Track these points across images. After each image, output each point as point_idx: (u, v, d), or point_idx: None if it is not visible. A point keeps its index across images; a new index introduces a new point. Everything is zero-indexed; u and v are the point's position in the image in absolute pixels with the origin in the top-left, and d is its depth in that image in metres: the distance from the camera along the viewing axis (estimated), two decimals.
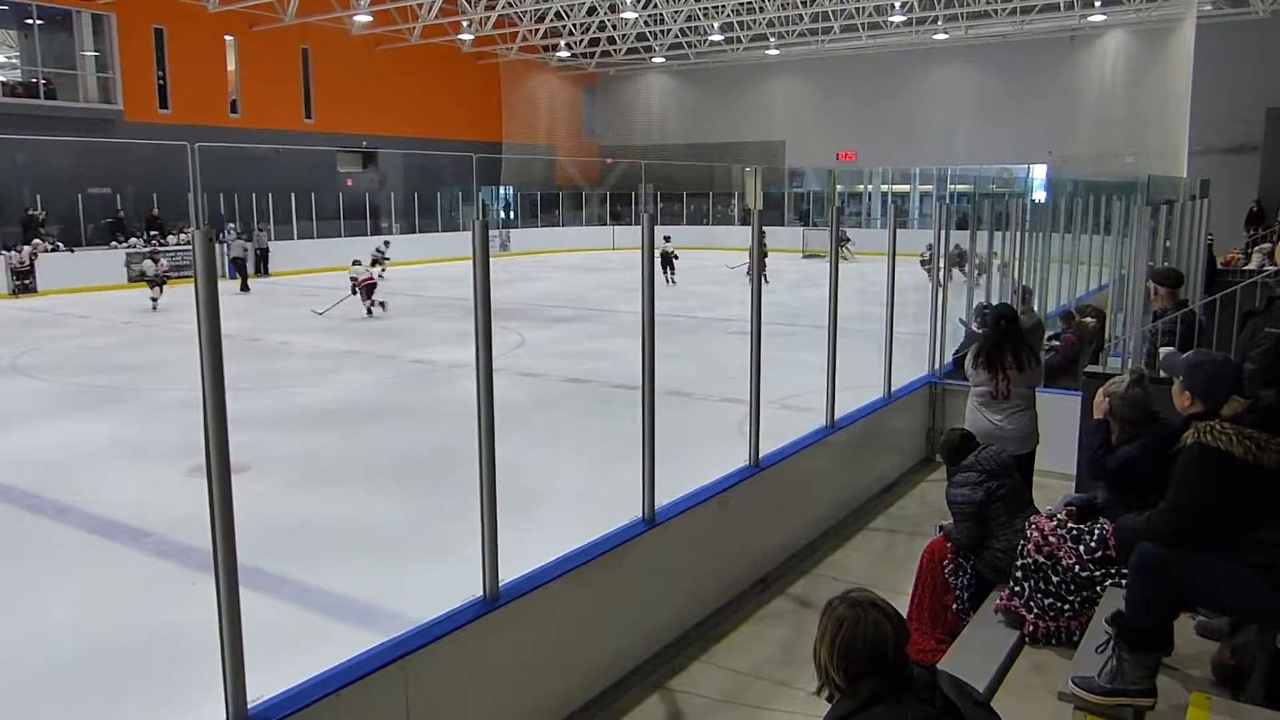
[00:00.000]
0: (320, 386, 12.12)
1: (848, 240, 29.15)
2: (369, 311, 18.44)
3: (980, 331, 8.84)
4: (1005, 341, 5.99)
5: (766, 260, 26.26)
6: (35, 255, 22.39)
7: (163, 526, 6.89)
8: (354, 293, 18.66)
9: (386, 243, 26.17)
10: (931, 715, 2.16)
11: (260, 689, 3.08)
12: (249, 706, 3.01)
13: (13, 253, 21.96)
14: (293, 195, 28.80)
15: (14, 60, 26.51)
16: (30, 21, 25.77)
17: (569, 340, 15.60)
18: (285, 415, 10.39)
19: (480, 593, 3.92)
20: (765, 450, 5.92)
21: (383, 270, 23.36)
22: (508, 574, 4.01)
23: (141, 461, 8.72)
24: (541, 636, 4.24)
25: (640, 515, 4.83)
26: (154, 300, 19.53)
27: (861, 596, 2.25)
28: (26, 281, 22.04)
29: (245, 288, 23.87)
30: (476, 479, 3.84)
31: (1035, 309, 9.67)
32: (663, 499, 4.96)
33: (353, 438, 9.72)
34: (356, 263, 19.39)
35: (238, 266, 24.39)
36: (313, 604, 5.75)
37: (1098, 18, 31.51)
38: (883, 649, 2.16)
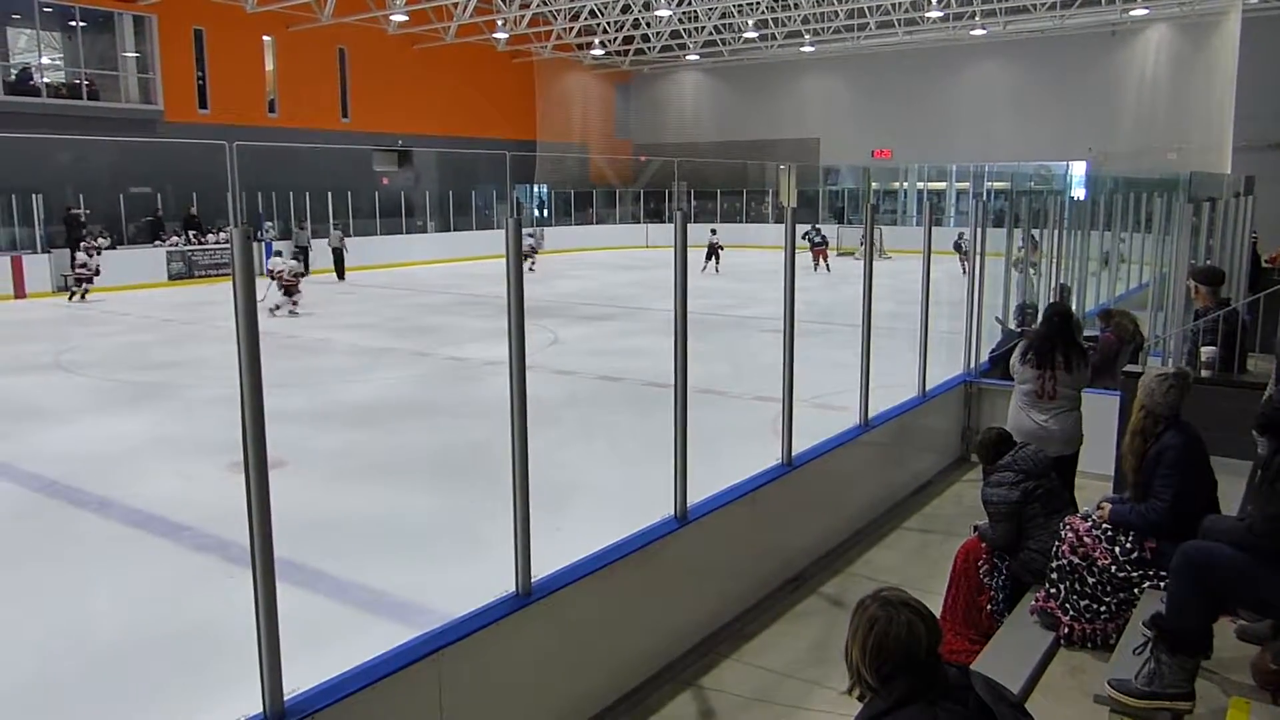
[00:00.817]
0: (356, 383, 12.23)
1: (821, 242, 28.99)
2: (278, 309, 17.77)
3: (1018, 330, 8.78)
4: (1057, 339, 5.91)
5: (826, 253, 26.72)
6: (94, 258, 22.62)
7: (201, 521, 6.99)
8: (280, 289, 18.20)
9: (531, 234, 26.20)
10: (964, 716, 2.14)
11: (296, 682, 3.12)
12: (285, 699, 3.05)
13: (79, 254, 22.25)
14: (329, 194, 29.09)
15: (57, 62, 26.96)
16: (73, 23, 26.21)
17: (602, 338, 15.63)
18: (322, 411, 10.50)
19: (513, 588, 3.94)
20: (798, 449, 5.90)
21: (532, 264, 24.44)
22: (539, 570, 4.03)
23: (181, 457, 8.85)
24: (573, 633, 4.26)
25: (672, 513, 4.83)
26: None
27: (893, 595, 2.23)
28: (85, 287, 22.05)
29: (341, 276, 25.38)
30: (509, 476, 3.86)
31: (1073, 308, 9.55)
32: (695, 497, 4.95)
33: (388, 434, 9.81)
34: (278, 254, 19.33)
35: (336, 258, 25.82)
36: (348, 598, 5.81)
37: (1140, 11, 31.01)
38: (915, 649, 2.14)
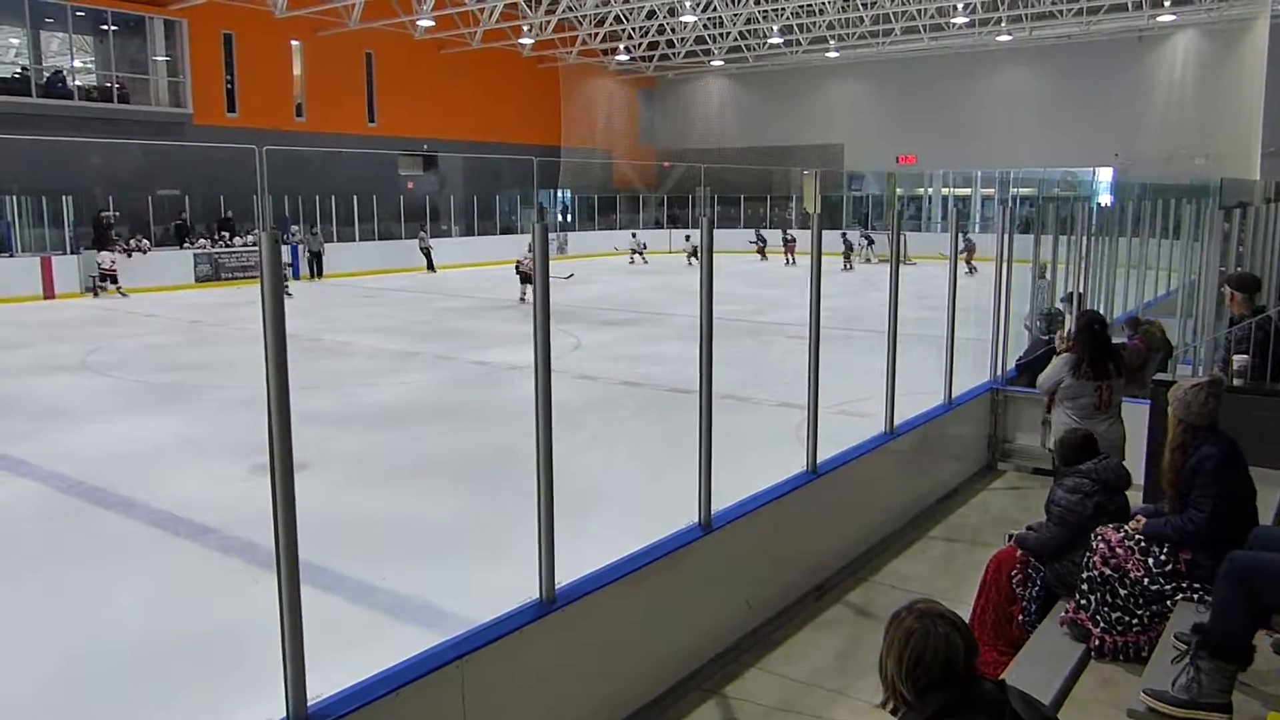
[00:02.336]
0: (380, 386, 12.28)
1: (872, 242, 29.70)
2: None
3: (1046, 338, 8.68)
4: (1103, 348, 5.88)
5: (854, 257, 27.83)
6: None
7: (226, 523, 7.02)
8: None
9: (634, 235, 26.71)
10: None
11: (319, 686, 3.11)
12: (308, 704, 3.03)
13: (105, 253, 22.68)
14: (355, 197, 29.29)
15: (89, 65, 27.30)
16: (105, 27, 26.55)
17: (625, 343, 15.62)
18: (345, 414, 10.54)
19: (536, 595, 3.92)
20: (823, 456, 5.85)
21: (645, 260, 25.88)
22: (563, 576, 4.01)
23: (206, 458, 8.90)
24: (597, 640, 4.23)
25: (696, 520, 4.80)
26: None
27: (928, 608, 2.19)
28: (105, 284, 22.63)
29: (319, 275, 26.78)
30: (533, 481, 3.84)
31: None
32: (718, 504, 4.92)
33: (411, 437, 9.82)
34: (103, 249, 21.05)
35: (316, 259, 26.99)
36: (371, 602, 5.81)
37: (1167, 18, 30.78)
38: (953, 662, 2.10)
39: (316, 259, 27.14)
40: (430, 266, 29.21)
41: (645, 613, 4.52)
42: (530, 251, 20.92)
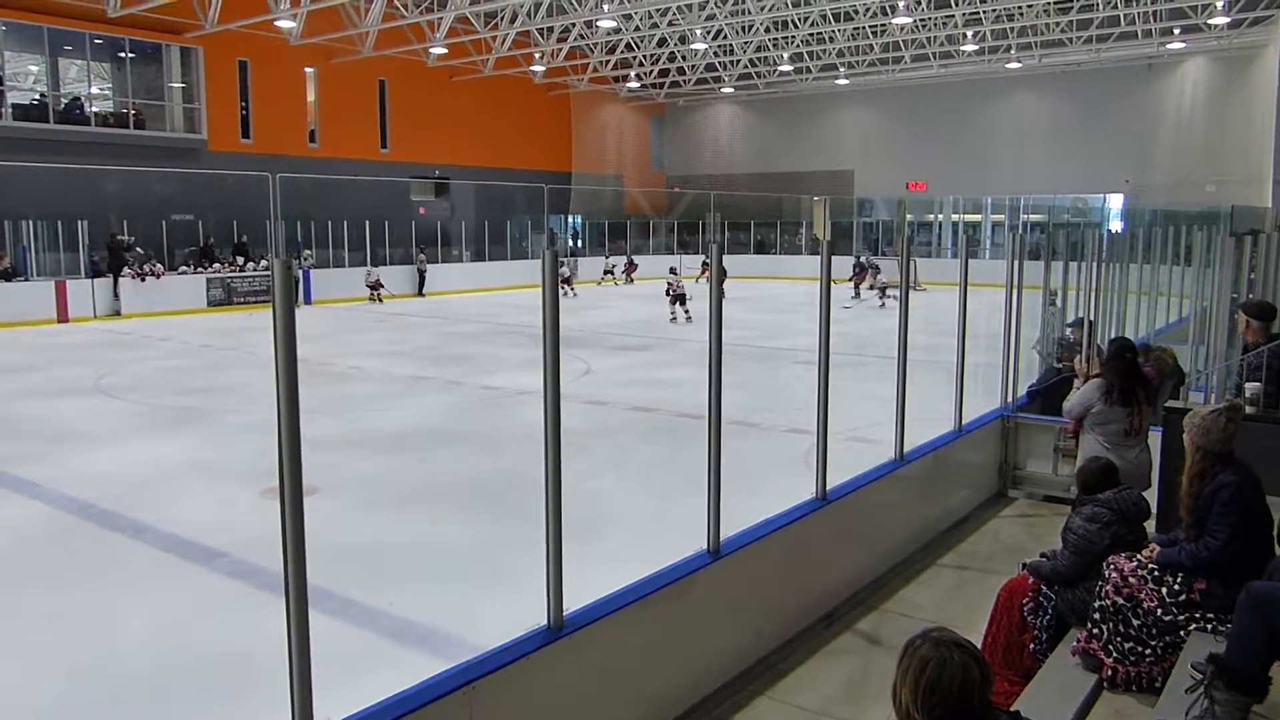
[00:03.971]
0: (390, 411, 12.29)
1: (878, 269, 29.71)
2: None
3: (1060, 366, 8.65)
4: (1133, 374, 5.89)
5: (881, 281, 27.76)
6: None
7: (235, 547, 7.02)
8: None
9: (673, 269, 27.07)
10: None
11: (326, 711, 3.10)
12: None
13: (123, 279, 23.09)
14: (367, 223, 29.49)
15: (106, 92, 27.62)
16: (123, 55, 26.86)
17: (635, 368, 15.63)
18: (355, 439, 10.55)
19: (544, 621, 3.90)
20: (833, 482, 5.83)
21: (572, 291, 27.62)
22: (571, 602, 4.00)
23: (216, 482, 8.92)
24: (605, 667, 4.21)
25: (705, 547, 4.78)
26: None
27: (943, 636, 2.17)
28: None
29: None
30: (542, 506, 3.83)
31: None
32: (727, 530, 4.90)
33: (421, 462, 9.83)
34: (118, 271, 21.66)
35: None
36: (378, 627, 5.80)
37: (1177, 45, 30.86)
38: (969, 692, 2.08)
39: (421, 278, 29.80)
40: (419, 289, 29.99)
41: (654, 639, 4.50)
42: (673, 273, 22.52)
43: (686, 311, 21.82)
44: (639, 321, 22.73)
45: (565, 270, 27.97)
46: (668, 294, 22.48)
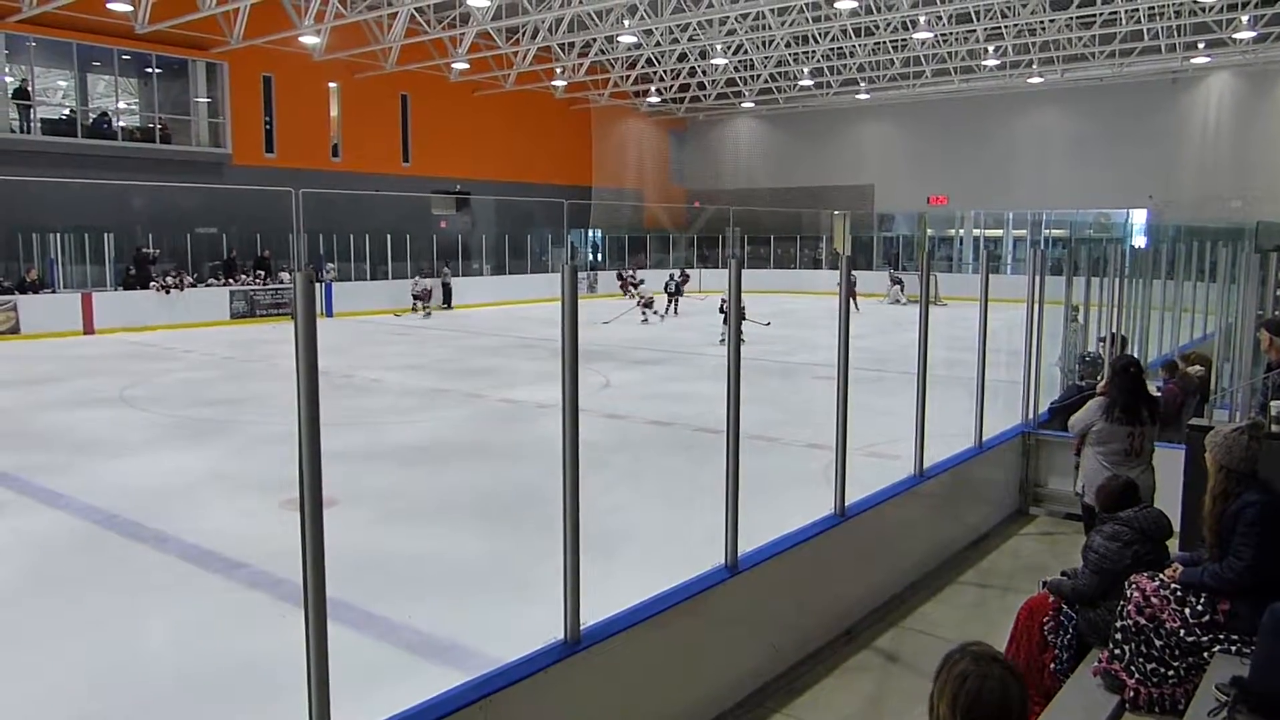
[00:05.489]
0: (409, 423, 12.34)
1: (901, 282, 29.67)
2: None
3: (1083, 383, 8.59)
4: (1141, 393, 5.82)
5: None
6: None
7: (256, 558, 7.06)
8: None
9: (684, 274, 27.08)
10: None
11: None
12: None
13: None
14: (388, 236, 29.70)
15: (133, 106, 27.98)
16: (150, 70, 27.21)
17: (653, 382, 15.62)
18: (375, 451, 10.60)
19: (561, 635, 3.90)
20: (851, 498, 5.81)
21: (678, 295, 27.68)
22: (588, 617, 3.99)
23: (237, 493, 8.97)
24: (622, 682, 4.20)
25: (723, 562, 4.77)
26: None
27: (983, 650, 2.15)
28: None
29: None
30: (558, 519, 3.84)
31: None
32: (745, 545, 4.89)
33: (440, 475, 9.86)
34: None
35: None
36: (396, 640, 5.81)
37: (1201, 60, 30.66)
38: (1009, 708, 2.06)
39: (447, 291, 29.93)
40: (446, 301, 29.86)
41: (671, 655, 4.48)
42: (642, 282, 23.15)
43: (659, 313, 23.69)
44: (659, 336, 22.74)
45: (584, 285, 27.97)
46: (721, 310, 22.59)
